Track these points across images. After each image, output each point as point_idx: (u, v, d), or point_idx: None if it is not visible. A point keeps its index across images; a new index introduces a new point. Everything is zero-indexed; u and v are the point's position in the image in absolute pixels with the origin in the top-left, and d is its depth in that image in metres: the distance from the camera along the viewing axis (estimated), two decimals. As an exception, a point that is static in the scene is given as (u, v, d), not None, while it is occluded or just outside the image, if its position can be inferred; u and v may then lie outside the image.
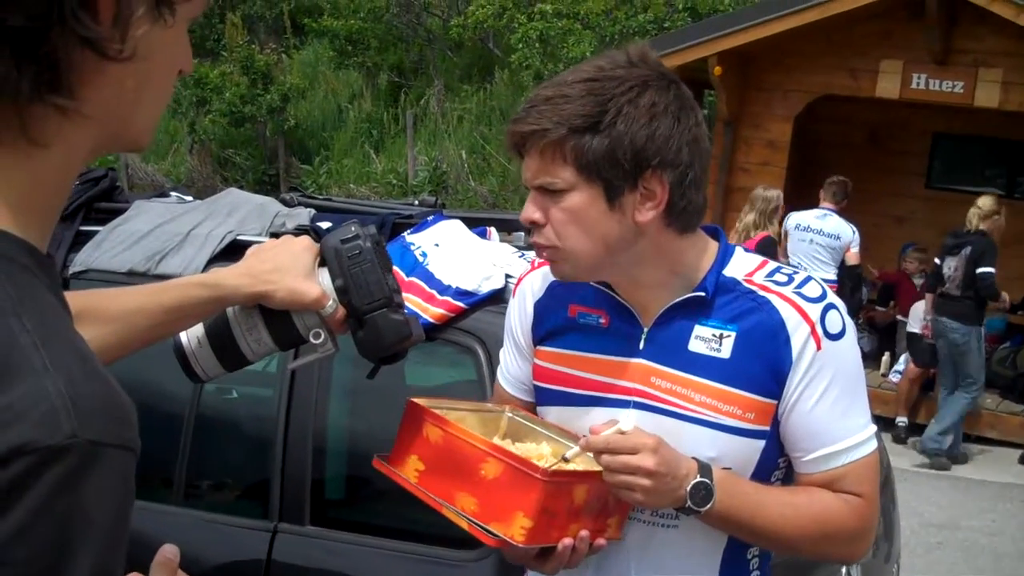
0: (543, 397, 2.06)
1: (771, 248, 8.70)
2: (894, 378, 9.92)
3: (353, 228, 1.72)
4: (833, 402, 1.86)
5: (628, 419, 1.81)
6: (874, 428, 1.95)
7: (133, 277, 3.45)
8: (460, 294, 2.92)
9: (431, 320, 2.91)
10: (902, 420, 9.42)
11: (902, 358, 10.01)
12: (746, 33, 9.86)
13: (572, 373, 1.99)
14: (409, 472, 1.88)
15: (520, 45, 14.40)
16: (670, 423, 1.87)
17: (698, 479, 1.80)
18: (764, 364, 1.86)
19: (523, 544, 1.72)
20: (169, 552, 1.24)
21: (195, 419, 3.29)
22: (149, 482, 3.53)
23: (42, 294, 1.00)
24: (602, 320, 1.97)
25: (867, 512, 1.93)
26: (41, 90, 0.96)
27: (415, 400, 1.92)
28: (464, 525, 1.78)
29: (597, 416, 1.91)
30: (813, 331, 1.84)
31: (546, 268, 2.02)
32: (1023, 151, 11.28)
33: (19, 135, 0.99)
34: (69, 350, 0.97)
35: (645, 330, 1.93)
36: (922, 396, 9.67)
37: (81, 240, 3.63)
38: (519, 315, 2.10)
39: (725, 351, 1.87)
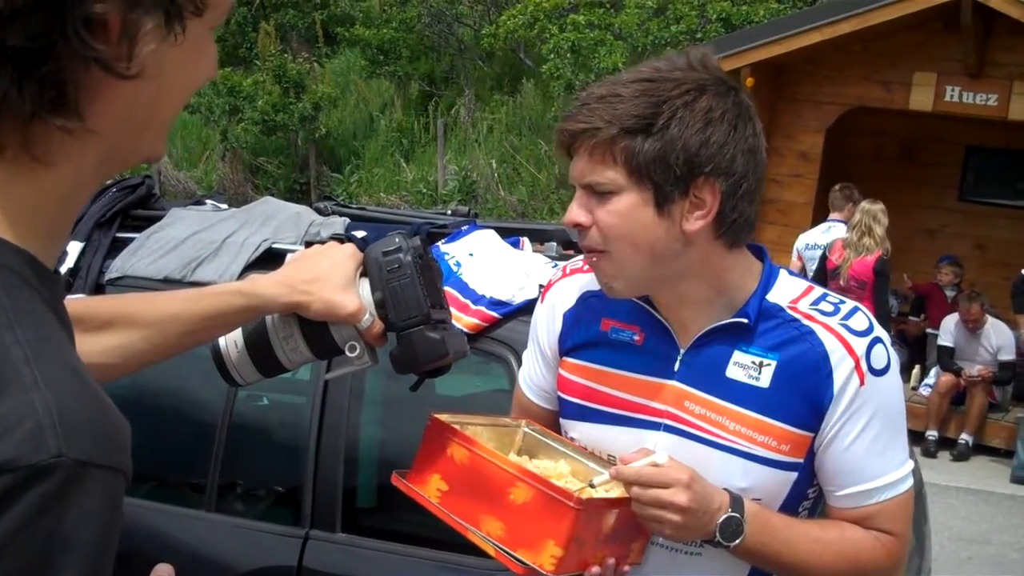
0: (568, 410, 2.00)
1: (887, 270, 8.67)
2: (924, 391, 9.86)
3: (397, 240, 1.67)
4: (872, 440, 1.82)
5: (662, 451, 1.77)
6: (911, 465, 1.91)
7: (168, 284, 3.48)
8: (494, 304, 2.93)
9: (465, 330, 2.92)
10: (932, 434, 9.37)
11: (932, 371, 9.96)
12: (779, 45, 9.83)
13: (600, 389, 1.93)
14: (430, 491, 1.83)
15: (551, 55, 14.40)
16: (701, 450, 1.82)
17: (729, 514, 1.75)
18: (804, 397, 1.81)
19: (552, 573, 1.67)
20: (164, 572, 1.21)
21: (228, 426, 3.31)
22: (181, 488, 3.56)
23: (39, 308, 0.96)
24: (636, 337, 1.90)
25: (898, 551, 1.90)
26: (44, 110, 0.93)
27: (438, 416, 1.88)
28: (490, 551, 1.73)
29: (624, 436, 1.88)
30: (857, 366, 1.79)
31: (579, 277, 2.00)
32: (1057, 165, 11.22)
33: (21, 151, 0.96)
34: (62, 366, 0.93)
35: (682, 351, 1.87)
36: (952, 410, 9.60)
37: (118, 247, 3.66)
38: (547, 323, 2.03)
39: (764, 380, 1.81)
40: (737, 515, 1.76)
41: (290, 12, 20.60)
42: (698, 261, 1.79)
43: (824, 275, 8.75)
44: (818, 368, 1.80)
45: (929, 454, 9.21)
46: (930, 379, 9.93)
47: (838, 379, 1.79)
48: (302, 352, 1.70)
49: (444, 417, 1.89)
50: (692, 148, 1.71)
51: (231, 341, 1.74)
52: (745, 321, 1.82)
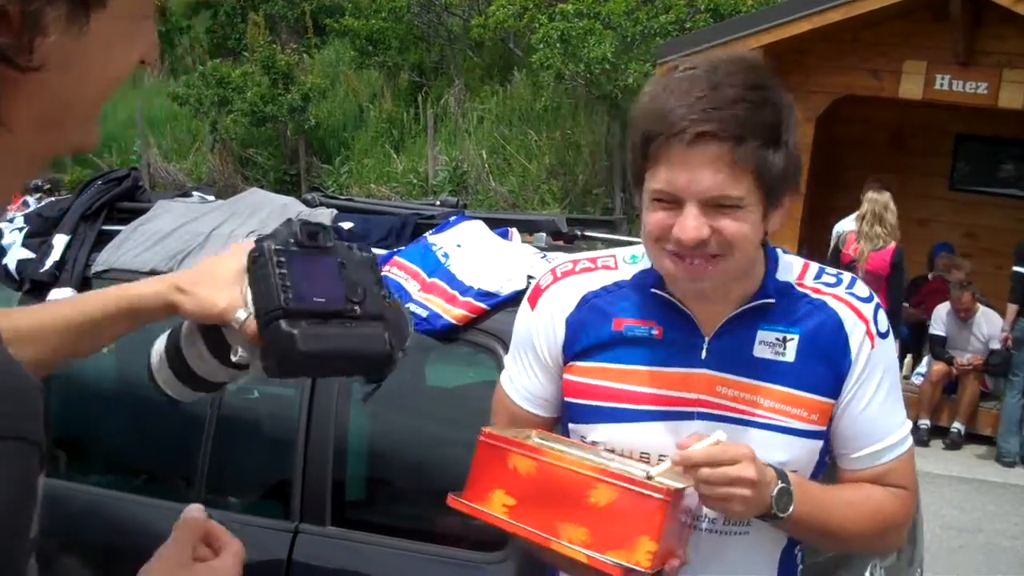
0: (583, 414, 1.96)
1: (903, 262, 8.67)
2: (917, 380, 9.87)
3: (279, 227, 1.47)
4: (883, 400, 1.92)
5: (719, 431, 1.79)
6: (910, 424, 2.03)
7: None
8: (482, 295, 2.92)
9: (453, 320, 2.91)
10: (924, 423, 9.38)
11: (925, 360, 9.97)
12: (768, 34, 9.82)
13: (623, 388, 1.91)
14: (495, 507, 1.79)
15: (541, 45, 14.35)
16: (740, 431, 1.85)
17: (780, 485, 1.80)
18: (826, 365, 1.88)
19: (649, 569, 1.66)
20: (196, 511, 1.18)
21: (216, 419, 3.29)
22: (170, 482, 3.54)
23: None
24: (655, 332, 1.90)
25: (911, 503, 2.00)
26: None
27: (491, 431, 1.85)
28: (583, 558, 1.70)
29: (658, 431, 1.88)
30: (868, 330, 1.89)
31: (574, 279, 1.98)
32: (1048, 152, 11.23)
33: None
34: None
35: (707, 339, 1.89)
36: (944, 398, 9.62)
37: (104, 239, 3.64)
38: (545, 331, 1.99)
39: (790, 355, 1.87)
40: (787, 486, 1.81)
41: (279, 3, 20.58)
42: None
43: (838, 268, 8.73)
44: (836, 336, 1.88)
45: (921, 443, 9.21)
46: (922, 368, 9.94)
47: (854, 344, 1.89)
48: (207, 359, 1.52)
49: (496, 431, 1.87)
50: (799, 160, 1.76)
51: (155, 353, 1.58)
52: (772, 301, 1.88)
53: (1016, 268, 8.54)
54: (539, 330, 2.00)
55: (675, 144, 1.69)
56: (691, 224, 1.71)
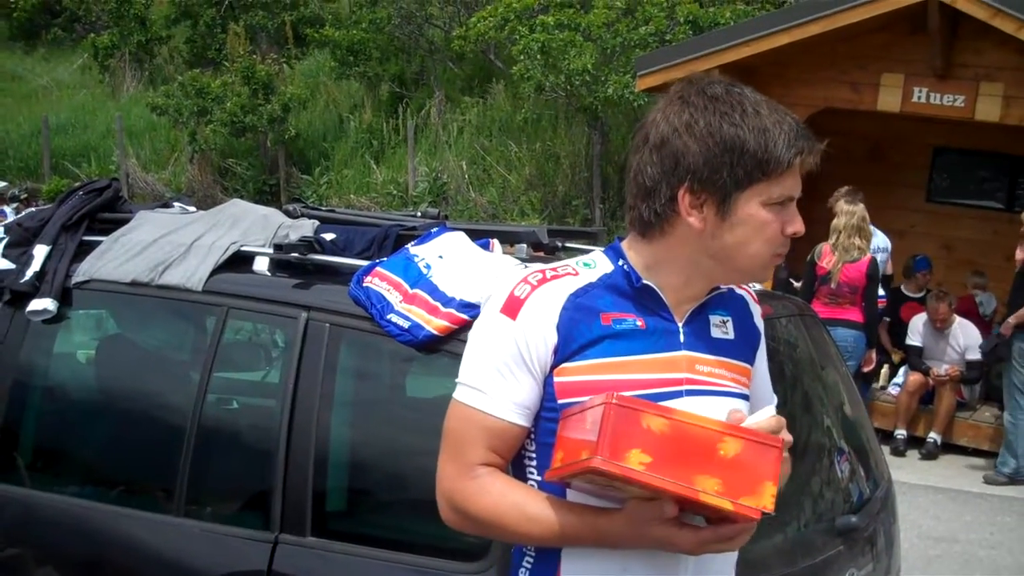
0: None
1: (878, 273, 8.73)
2: (893, 391, 9.92)
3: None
4: (766, 368, 2.35)
5: (770, 407, 2.20)
6: None
7: (136, 287, 3.46)
8: (464, 306, 2.92)
9: (435, 332, 2.92)
10: (901, 433, 9.42)
11: (901, 371, 10.02)
12: (748, 46, 9.86)
13: (617, 378, 2.02)
14: (633, 465, 1.86)
15: (521, 57, 14.38)
16: (719, 401, 2.10)
17: None
18: (750, 338, 2.26)
19: (771, 511, 1.87)
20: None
21: (197, 430, 3.29)
22: (151, 493, 3.54)
23: None
24: (639, 323, 2.09)
25: None
26: None
27: (621, 395, 1.91)
28: (728, 506, 1.86)
29: None
30: (761, 309, 2.32)
31: (553, 285, 2.08)
32: (1023, 165, 11.30)
33: None
34: None
35: (680, 325, 2.13)
36: (921, 409, 9.67)
37: (85, 250, 3.64)
38: (533, 339, 2.04)
39: (731, 333, 2.21)
40: None
41: (259, 13, 20.55)
42: None
43: (813, 281, 8.77)
44: (749, 314, 2.28)
45: (898, 453, 9.26)
46: (899, 378, 9.99)
47: (757, 319, 2.30)
48: None
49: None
50: None
51: None
52: (722, 291, 2.21)
53: None
54: (526, 338, 2.05)
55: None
56: (799, 219, 2.11)
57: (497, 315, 2.08)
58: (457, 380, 2.13)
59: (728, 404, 2.09)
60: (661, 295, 2.11)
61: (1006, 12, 8.83)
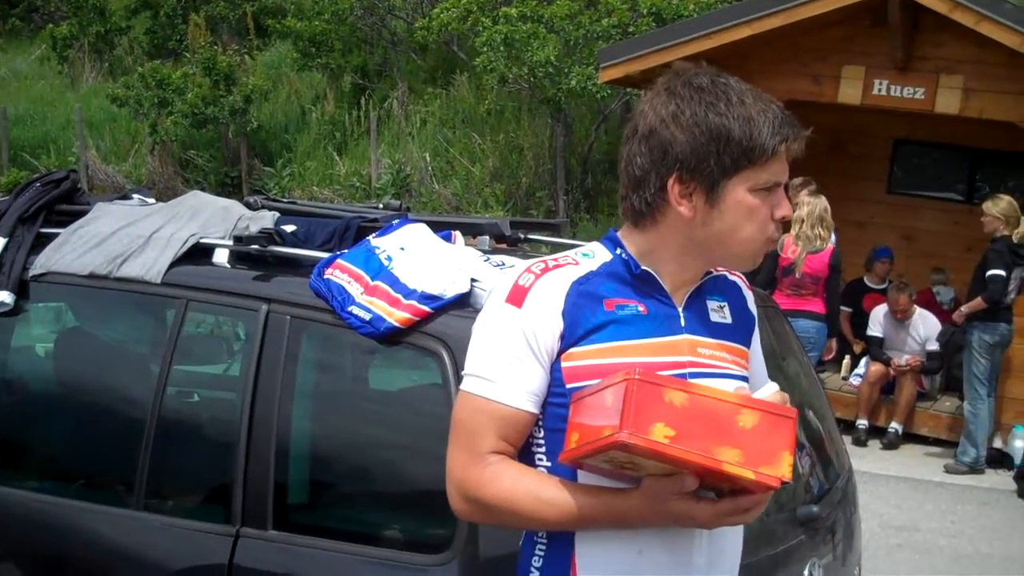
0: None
1: (840, 264, 8.78)
2: (855, 381, 10.00)
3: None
4: (761, 351, 2.44)
5: (773, 383, 2.15)
6: None
7: (94, 280, 3.43)
8: (425, 298, 2.91)
9: (396, 323, 2.90)
10: (862, 423, 9.50)
11: (862, 361, 10.09)
12: (710, 39, 9.88)
13: (624, 361, 2.06)
14: (659, 439, 1.90)
15: (484, 48, 14.35)
16: (719, 383, 2.12)
17: None
18: (746, 323, 2.32)
19: (789, 480, 1.94)
20: None
21: (156, 423, 3.26)
22: (110, 487, 3.51)
23: None
24: (640, 308, 2.14)
25: None
26: None
27: (643, 372, 1.94)
28: (751, 476, 1.92)
29: None
30: (752, 297, 2.38)
31: (556, 274, 2.13)
32: (982, 157, 11.40)
33: None
34: None
35: (680, 310, 2.18)
36: (882, 399, 9.75)
37: (42, 242, 3.60)
38: (540, 326, 2.09)
39: (728, 317, 2.27)
40: None
41: (220, 4, 20.38)
42: None
43: (775, 273, 8.81)
44: (744, 298, 2.35)
45: (859, 443, 9.33)
46: (860, 369, 10.06)
47: (751, 305, 2.37)
48: None
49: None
50: None
51: None
52: (714, 275, 2.28)
53: (995, 271, 8.61)
54: (533, 326, 2.10)
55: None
56: (786, 203, 2.18)
57: (503, 305, 2.12)
58: (464, 372, 2.16)
59: (730, 386, 2.15)
60: (660, 281, 2.17)
61: (965, 5, 8.90)
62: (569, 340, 2.09)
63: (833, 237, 9.51)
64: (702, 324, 2.20)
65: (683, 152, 2.08)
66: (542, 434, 2.15)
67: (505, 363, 2.10)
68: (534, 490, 2.08)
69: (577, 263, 2.17)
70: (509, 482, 2.08)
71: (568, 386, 2.09)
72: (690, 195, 2.10)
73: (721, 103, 2.10)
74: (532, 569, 2.17)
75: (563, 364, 2.10)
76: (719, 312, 2.25)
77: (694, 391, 1.96)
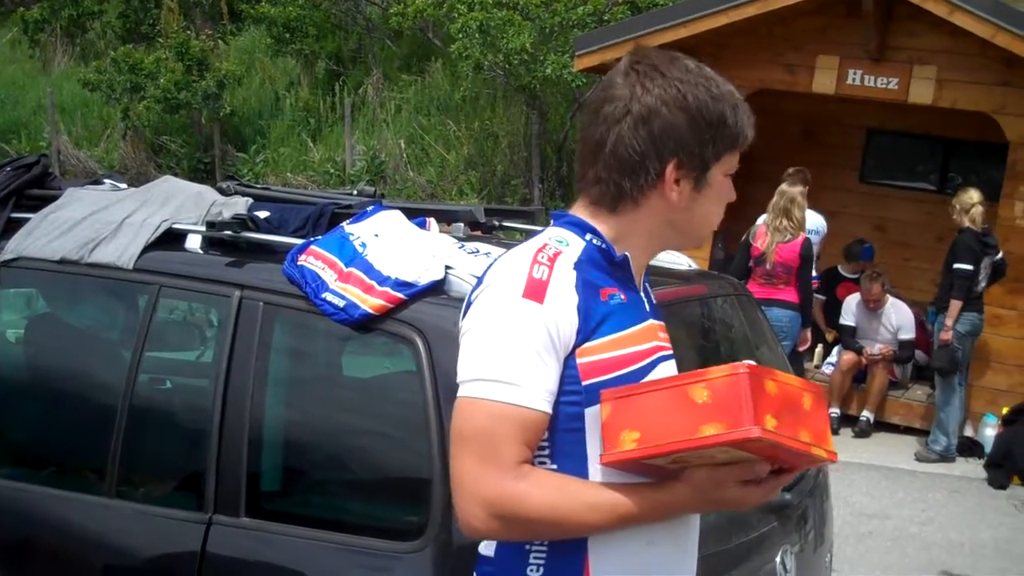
0: (597, 394, 2.00)
1: (812, 254, 8.82)
2: (827, 370, 10.05)
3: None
4: None
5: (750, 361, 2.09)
6: None
7: (65, 265, 3.40)
8: (399, 285, 2.91)
9: (370, 310, 2.89)
10: (834, 411, 9.54)
11: (835, 350, 10.14)
12: (685, 27, 9.89)
13: (626, 352, 2.03)
14: (771, 429, 1.88)
15: (460, 35, 14.30)
16: (672, 365, 2.14)
17: None
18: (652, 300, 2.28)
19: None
20: None
21: (128, 410, 3.25)
22: (82, 474, 3.49)
23: None
24: (622, 296, 2.08)
25: None
26: None
27: (749, 364, 1.91)
28: (824, 455, 1.98)
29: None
30: None
31: (561, 267, 2.00)
32: (955, 148, 11.45)
33: None
34: None
35: (641, 294, 2.16)
36: (854, 387, 9.81)
37: (12, 227, 3.57)
38: (564, 321, 1.97)
39: (653, 299, 2.24)
40: None
41: (194, -12, 20.24)
42: None
43: (748, 261, 8.84)
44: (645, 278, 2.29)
45: (831, 431, 9.35)
46: (832, 358, 10.11)
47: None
48: None
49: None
50: None
51: None
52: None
53: (961, 265, 8.67)
54: (556, 322, 1.97)
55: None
56: (732, 190, 2.17)
57: (521, 301, 1.96)
58: (475, 377, 1.97)
59: (674, 366, 2.14)
60: (631, 267, 2.12)
61: (939, -5, 8.95)
62: (584, 334, 1.98)
63: (823, 225, 9.57)
64: (652, 307, 2.19)
65: (686, 137, 2.03)
66: (547, 435, 2.00)
67: (530, 364, 1.95)
68: (580, 494, 1.96)
69: (561, 252, 2.05)
70: (553, 490, 1.95)
71: (584, 383, 1.98)
72: (679, 180, 2.06)
73: (713, 87, 2.06)
74: None
75: (579, 360, 1.98)
76: (651, 295, 2.24)
77: (779, 378, 1.95)
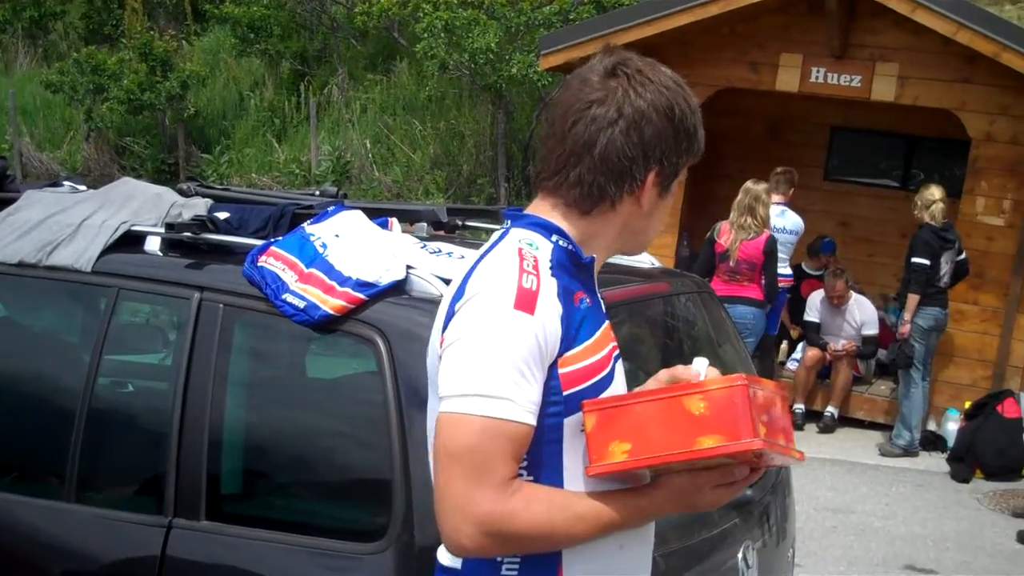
0: (581, 400, 1.99)
1: (776, 250, 8.86)
2: (792, 366, 10.11)
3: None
4: None
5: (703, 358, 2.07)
6: None
7: (23, 268, 3.37)
8: (360, 285, 2.89)
9: (331, 311, 2.88)
10: (799, 407, 9.60)
11: (799, 346, 10.20)
12: (650, 26, 9.91)
13: (597, 358, 2.02)
14: (763, 436, 1.90)
15: (425, 35, 14.30)
16: (621, 364, 2.12)
17: None
18: None
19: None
20: None
21: (87, 413, 3.22)
22: (39, 477, 3.45)
23: None
24: (587, 300, 2.05)
25: None
26: None
27: (746, 376, 1.92)
28: (798, 456, 2.02)
29: (619, 383, 2.08)
30: None
31: (544, 275, 1.97)
32: (918, 144, 11.54)
33: None
34: None
35: (598, 296, 2.12)
36: (818, 383, 9.87)
37: (-31, 231, 3.53)
38: (551, 331, 1.94)
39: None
40: None
41: (157, -12, 20.13)
42: None
43: (712, 258, 8.86)
44: None
45: (796, 427, 9.37)
46: (797, 354, 10.17)
47: None
48: None
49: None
50: None
51: None
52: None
53: (917, 259, 8.75)
54: (545, 333, 1.94)
55: None
56: None
57: (513, 312, 1.91)
58: (465, 392, 1.89)
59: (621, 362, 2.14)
60: (594, 270, 2.12)
61: (901, -7, 9.01)
62: (566, 343, 1.96)
63: (800, 225, 9.59)
64: (604, 309, 2.16)
65: (669, 145, 2.04)
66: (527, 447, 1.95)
67: (520, 378, 1.89)
68: (568, 507, 1.94)
69: (539, 259, 2.01)
70: (544, 503, 1.92)
71: (565, 393, 1.96)
72: (654, 186, 2.08)
73: (689, 97, 2.08)
74: None
75: (560, 370, 1.95)
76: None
77: (763, 385, 1.97)
